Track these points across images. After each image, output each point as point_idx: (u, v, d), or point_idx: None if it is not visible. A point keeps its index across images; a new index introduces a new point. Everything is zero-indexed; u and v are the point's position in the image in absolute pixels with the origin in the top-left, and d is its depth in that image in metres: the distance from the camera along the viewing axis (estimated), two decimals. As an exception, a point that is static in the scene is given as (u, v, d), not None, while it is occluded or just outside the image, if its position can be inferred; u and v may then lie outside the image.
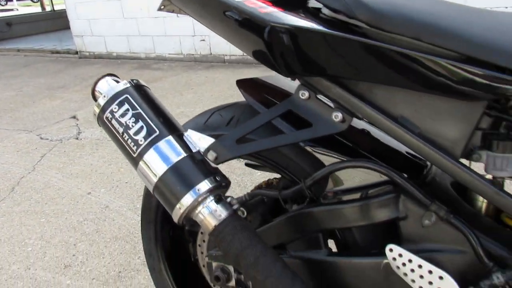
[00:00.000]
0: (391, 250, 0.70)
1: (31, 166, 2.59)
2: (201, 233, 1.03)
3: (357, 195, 0.76)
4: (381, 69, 0.64)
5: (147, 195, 1.11)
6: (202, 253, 1.04)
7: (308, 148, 0.86)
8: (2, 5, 19.19)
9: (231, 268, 0.92)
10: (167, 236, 1.15)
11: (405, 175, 0.72)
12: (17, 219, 1.99)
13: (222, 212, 0.71)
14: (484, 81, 0.58)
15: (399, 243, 0.71)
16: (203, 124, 0.95)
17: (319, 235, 0.81)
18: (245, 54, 0.82)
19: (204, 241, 1.03)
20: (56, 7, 10.90)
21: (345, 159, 0.78)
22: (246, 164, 1.19)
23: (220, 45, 5.23)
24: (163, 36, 5.70)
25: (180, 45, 5.59)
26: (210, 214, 0.71)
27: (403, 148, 0.86)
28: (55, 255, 1.70)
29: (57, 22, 9.83)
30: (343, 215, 0.75)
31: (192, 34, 5.43)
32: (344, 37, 0.63)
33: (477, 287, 0.63)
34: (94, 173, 2.43)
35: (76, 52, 6.67)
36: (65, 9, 6.56)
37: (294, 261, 0.81)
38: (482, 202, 0.77)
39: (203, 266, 1.05)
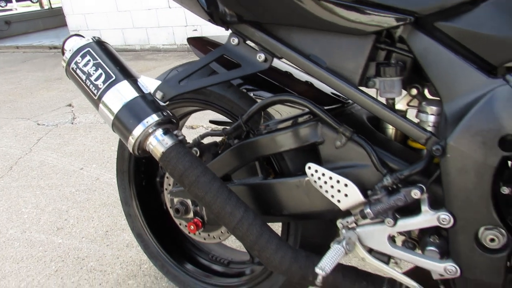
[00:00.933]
0: (309, 167, 0.83)
1: (28, 148, 2.75)
2: (167, 177, 1.18)
3: (283, 125, 0.89)
4: (292, 13, 0.78)
5: (120, 147, 1.25)
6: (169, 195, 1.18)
7: (251, 94, 1.00)
8: (2, 7, 19.33)
9: (189, 202, 1.07)
10: (141, 186, 1.29)
11: (323, 107, 0.86)
12: (15, 192, 2.15)
13: (168, 141, 0.85)
14: (371, 18, 0.72)
15: (320, 164, 0.85)
16: (163, 79, 1.09)
17: (256, 163, 0.95)
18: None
19: (169, 184, 1.17)
20: (54, 6, 11.03)
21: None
22: (210, 121, 1.34)
23: (212, 34, 5.34)
24: (157, 28, 5.83)
25: (173, 35, 5.72)
26: (159, 143, 0.85)
27: (331, 90, 0.99)
28: (49, 220, 1.85)
29: (55, 19, 9.97)
30: (273, 142, 0.89)
31: (184, 25, 5.55)
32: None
33: (373, 189, 0.77)
34: (87, 151, 2.58)
35: (73, 47, 6.80)
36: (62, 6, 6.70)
37: (237, 188, 0.95)
38: (391, 130, 0.90)
39: (170, 207, 1.19)
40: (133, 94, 0.87)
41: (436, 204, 0.72)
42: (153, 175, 1.28)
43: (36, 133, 3.01)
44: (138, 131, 0.84)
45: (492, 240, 0.67)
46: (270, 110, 0.96)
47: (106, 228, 1.74)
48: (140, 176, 1.28)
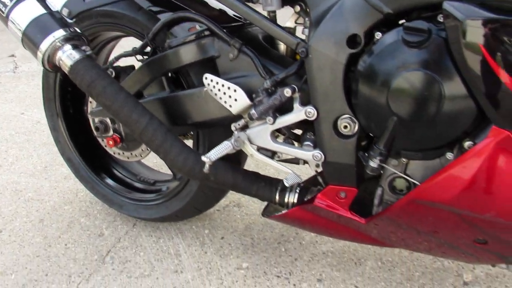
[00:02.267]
0: (206, 78, 0.93)
1: (-33, 96, 2.70)
2: (90, 102, 1.25)
3: (185, 41, 0.98)
4: None
5: (45, 76, 1.30)
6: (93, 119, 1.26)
7: (159, 16, 1.07)
8: None
9: (108, 120, 1.15)
10: (68, 113, 1.35)
11: (219, 25, 0.95)
12: (-48, 137, 2.14)
13: (76, 55, 0.92)
14: None
15: (219, 76, 0.95)
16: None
17: (163, 78, 1.04)
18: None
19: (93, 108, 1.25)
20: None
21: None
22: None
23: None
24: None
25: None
26: (67, 57, 0.92)
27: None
28: (-12, 160, 1.89)
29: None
30: (175, 57, 0.98)
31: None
32: None
33: (257, 92, 0.88)
34: (28, 98, 2.57)
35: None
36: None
37: (148, 103, 1.04)
38: (283, 46, 1.01)
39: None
40: (40, 10, 0.92)
41: (306, 101, 0.85)
42: (79, 102, 1.35)
43: (-24, 83, 2.94)
44: (45, 45, 0.90)
45: (345, 127, 0.80)
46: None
47: (45, 164, 1.80)
48: (66, 103, 1.34)
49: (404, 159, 0.77)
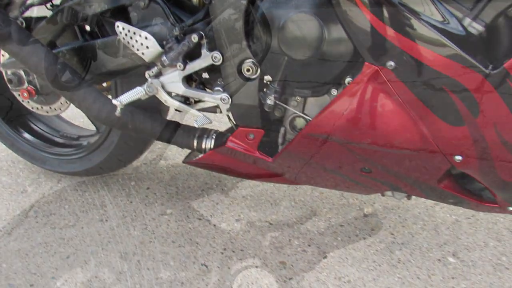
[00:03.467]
0: (118, 26, 0.95)
1: None
2: (3, 55, 1.21)
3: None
4: None
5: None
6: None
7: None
8: None
9: (21, 72, 1.14)
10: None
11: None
12: None
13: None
14: None
15: (131, 25, 0.96)
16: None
17: (76, 28, 1.04)
18: None
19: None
20: None
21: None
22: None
23: None
24: None
25: None
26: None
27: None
28: None
29: None
30: (86, 6, 0.98)
31: None
32: None
33: (167, 39, 0.92)
34: None
35: None
36: None
37: (62, 52, 1.04)
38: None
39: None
40: None
41: (213, 47, 0.90)
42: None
43: None
44: None
45: (248, 70, 0.87)
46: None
47: (-39, 127, 1.72)
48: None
49: (299, 98, 0.86)
